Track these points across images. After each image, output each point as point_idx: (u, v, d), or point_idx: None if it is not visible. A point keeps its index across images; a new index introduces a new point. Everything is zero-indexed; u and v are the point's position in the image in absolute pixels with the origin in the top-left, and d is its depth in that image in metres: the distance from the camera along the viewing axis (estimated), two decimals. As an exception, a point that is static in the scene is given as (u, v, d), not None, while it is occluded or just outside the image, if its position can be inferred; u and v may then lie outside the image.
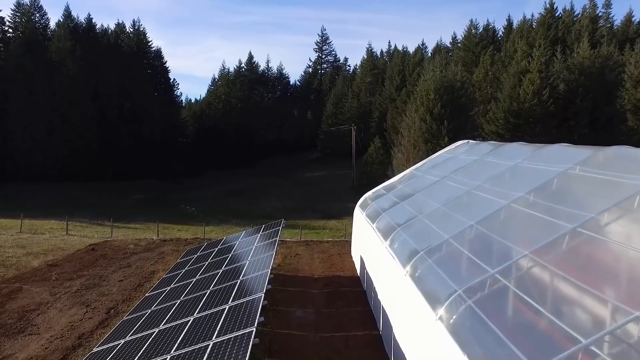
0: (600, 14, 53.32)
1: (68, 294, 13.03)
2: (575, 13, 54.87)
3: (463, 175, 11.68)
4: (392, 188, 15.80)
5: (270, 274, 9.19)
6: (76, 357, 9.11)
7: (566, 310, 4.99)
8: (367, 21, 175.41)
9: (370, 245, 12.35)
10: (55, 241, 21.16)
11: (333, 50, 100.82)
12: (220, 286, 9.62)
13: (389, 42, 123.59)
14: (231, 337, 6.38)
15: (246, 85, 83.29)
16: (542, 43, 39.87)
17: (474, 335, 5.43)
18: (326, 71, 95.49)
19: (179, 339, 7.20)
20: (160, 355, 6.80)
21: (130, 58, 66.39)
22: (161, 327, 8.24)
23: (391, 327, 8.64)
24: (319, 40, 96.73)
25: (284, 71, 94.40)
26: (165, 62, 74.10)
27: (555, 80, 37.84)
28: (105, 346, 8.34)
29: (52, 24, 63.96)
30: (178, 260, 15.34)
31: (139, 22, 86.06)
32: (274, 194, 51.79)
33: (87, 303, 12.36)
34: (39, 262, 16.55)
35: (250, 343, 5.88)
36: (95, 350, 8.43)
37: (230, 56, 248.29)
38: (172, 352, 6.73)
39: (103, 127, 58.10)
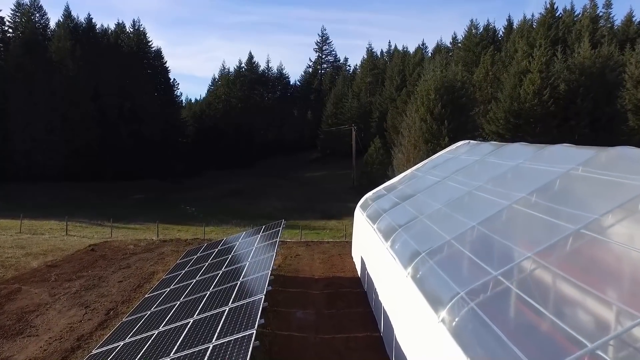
0: (600, 14, 53.28)
1: (67, 295, 12.97)
2: (576, 13, 54.87)
3: (464, 175, 11.62)
4: (392, 188, 15.75)
5: (271, 275, 9.13)
6: None
7: (571, 314, 4.93)
8: (367, 21, 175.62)
9: (371, 246, 12.30)
10: (54, 242, 21.10)
11: (333, 50, 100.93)
12: (221, 287, 9.57)
13: (389, 42, 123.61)
14: (231, 340, 6.32)
15: (246, 85, 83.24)
16: (543, 43, 39.74)
17: (476, 338, 5.38)
18: (326, 71, 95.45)
19: (179, 341, 7.14)
20: (159, 358, 6.75)
21: (130, 58, 66.33)
22: (161, 329, 8.18)
23: (392, 328, 8.59)
24: (319, 40, 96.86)
25: (284, 71, 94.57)
26: (165, 62, 74.13)
27: (555, 80, 37.77)
28: (104, 348, 8.28)
29: (52, 24, 64.06)
30: (178, 261, 15.29)
31: (139, 22, 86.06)
32: (274, 194, 51.73)
33: (86, 304, 12.30)
34: (38, 263, 16.49)
35: (251, 346, 5.82)
36: (94, 352, 8.37)
37: (230, 56, 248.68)
38: (171, 355, 6.67)
39: (103, 127, 58.06)
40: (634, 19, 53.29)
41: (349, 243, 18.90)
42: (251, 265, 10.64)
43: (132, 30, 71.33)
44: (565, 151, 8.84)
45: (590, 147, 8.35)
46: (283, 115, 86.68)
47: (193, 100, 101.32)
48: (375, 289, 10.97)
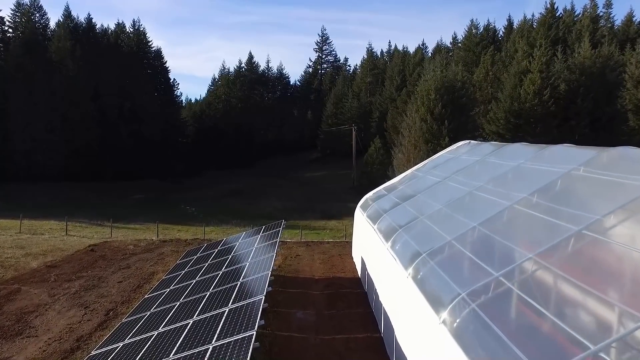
0: (600, 13, 53.23)
1: (67, 296, 12.94)
2: (576, 13, 54.81)
3: (465, 176, 11.59)
4: (393, 189, 15.71)
5: (271, 275, 9.10)
6: (74, 360, 9.03)
7: (573, 315, 4.90)
8: (367, 21, 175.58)
9: (371, 247, 12.27)
10: (54, 242, 21.07)
11: (333, 50, 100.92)
12: (220, 288, 9.54)
13: (389, 42, 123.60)
14: (231, 341, 6.29)
15: (246, 85, 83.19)
16: (543, 43, 39.69)
17: (478, 340, 5.34)
18: (326, 71, 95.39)
19: (178, 342, 7.11)
20: (159, 359, 6.71)
21: (130, 58, 66.28)
22: (160, 329, 8.15)
23: (393, 329, 8.56)
24: (319, 40, 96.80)
25: (284, 71, 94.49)
26: (165, 62, 74.05)
27: (556, 80, 37.72)
28: (103, 349, 8.25)
29: (52, 24, 63.98)
30: (178, 262, 15.25)
31: (139, 22, 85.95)
32: (274, 194, 51.70)
33: (85, 305, 12.27)
34: (38, 263, 16.46)
35: (251, 347, 5.79)
36: (93, 353, 8.34)
37: (230, 56, 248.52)
38: (171, 356, 6.64)
39: (103, 127, 58.03)
40: (634, 19, 53.27)
41: (349, 243, 18.87)
42: (251, 265, 10.61)
43: (132, 30, 71.32)
44: (566, 151, 8.81)
45: (591, 147, 8.31)
46: (283, 115, 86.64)
47: (193, 100, 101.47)
48: (376, 289, 10.94)
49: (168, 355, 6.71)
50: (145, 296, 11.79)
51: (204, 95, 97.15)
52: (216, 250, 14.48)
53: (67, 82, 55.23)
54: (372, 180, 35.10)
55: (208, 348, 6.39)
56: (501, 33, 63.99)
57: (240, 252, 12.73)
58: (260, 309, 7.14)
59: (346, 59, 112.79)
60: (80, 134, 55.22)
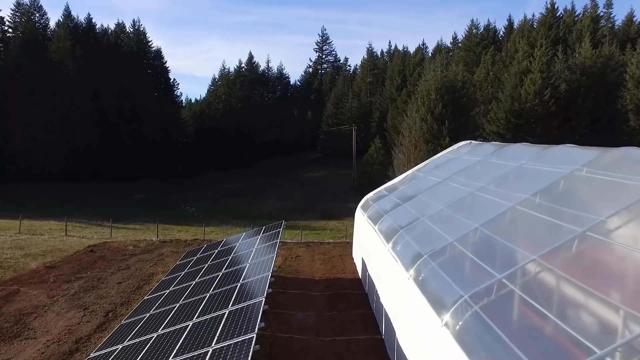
0: (601, 13, 53.24)
1: (66, 297, 12.88)
2: (577, 13, 54.81)
3: (466, 176, 11.52)
4: (393, 189, 15.65)
5: (271, 276, 9.04)
6: (73, 362, 8.97)
7: (577, 318, 4.84)
8: (367, 21, 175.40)
9: (372, 248, 12.20)
10: (54, 242, 21.01)
11: (333, 50, 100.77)
12: (220, 289, 9.48)
13: (389, 42, 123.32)
14: (231, 344, 6.23)
15: (246, 85, 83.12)
16: (544, 43, 39.62)
17: (481, 343, 5.28)
18: (326, 71, 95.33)
19: (178, 345, 7.05)
20: (158, 362, 6.66)
21: (130, 58, 66.23)
22: (160, 331, 8.09)
23: (394, 331, 8.49)
24: (319, 40, 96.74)
25: (284, 71, 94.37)
26: (165, 62, 73.96)
27: (556, 80, 37.67)
28: (102, 351, 8.19)
29: (52, 24, 63.96)
30: (177, 262, 15.19)
31: (139, 22, 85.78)
32: (274, 194, 51.64)
33: (85, 306, 12.21)
34: (37, 264, 16.40)
35: (251, 350, 5.73)
36: (92, 355, 8.28)
37: (230, 56, 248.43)
38: (170, 359, 6.57)
39: (103, 127, 57.99)
40: (634, 19, 53.26)
41: (350, 244, 18.80)
42: (251, 266, 10.55)
43: (132, 30, 71.24)
44: (568, 152, 8.75)
45: (593, 147, 8.25)
46: (283, 115, 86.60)
47: (193, 100, 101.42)
48: (377, 290, 10.87)
49: (167, 358, 6.64)
50: (145, 297, 11.73)
51: (204, 95, 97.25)
52: (216, 251, 14.43)
53: (67, 82, 55.19)
54: (373, 181, 35.06)
55: (208, 351, 6.33)
56: (501, 33, 64.01)
57: (241, 253, 12.67)
58: (261, 311, 7.08)
59: (346, 59, 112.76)
60: (80, 134, 55.18)
